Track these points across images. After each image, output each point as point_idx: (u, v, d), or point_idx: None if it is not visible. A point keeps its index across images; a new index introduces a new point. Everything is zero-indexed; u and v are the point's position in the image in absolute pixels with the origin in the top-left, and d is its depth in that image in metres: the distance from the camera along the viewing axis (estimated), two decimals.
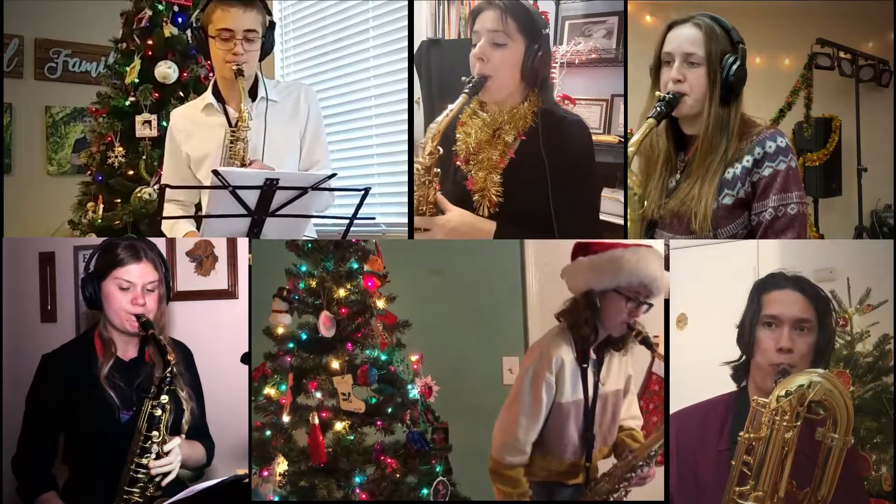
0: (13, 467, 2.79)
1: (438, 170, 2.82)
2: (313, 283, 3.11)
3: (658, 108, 2.66)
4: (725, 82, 2.62)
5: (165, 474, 2.64)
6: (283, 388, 3.06)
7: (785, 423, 2.22)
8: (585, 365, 2.73)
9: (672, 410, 2.75)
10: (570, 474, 2.80)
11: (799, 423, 2.23)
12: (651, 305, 2.71)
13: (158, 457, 2.61)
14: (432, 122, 2.81)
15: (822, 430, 2.24)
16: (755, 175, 2.62)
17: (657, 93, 2.72)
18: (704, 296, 3.19)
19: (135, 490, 2.59)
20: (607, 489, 2.75)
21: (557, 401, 2.71)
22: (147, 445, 2.60)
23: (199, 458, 2.91)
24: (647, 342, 2.70)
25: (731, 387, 2.58)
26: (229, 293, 3.75)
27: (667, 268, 3.24)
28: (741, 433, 2.30)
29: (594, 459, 2.79)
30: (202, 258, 3.76)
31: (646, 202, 2.80)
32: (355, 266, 3.12)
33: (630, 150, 2.67)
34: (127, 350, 2.84)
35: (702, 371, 2.75)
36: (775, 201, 2.59)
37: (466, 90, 2.76)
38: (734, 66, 2.61)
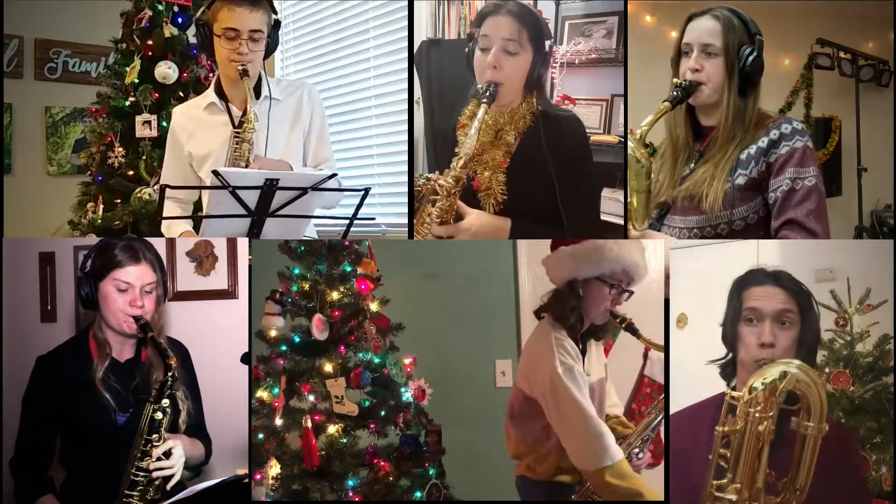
0: (11, 469, 2.79)
1: (465, 180, 2.83)
2: (306, 286, 3.11)
3: (675, 93, 2.71)
4: (742, 72, 2.67)
5: (167, 477, 2.63)
6: (276, 391, 3.07)
7: (758, 415, 2.21)
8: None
9: (672, 411, 2.75)
10: (569, 472, 2.77)
11: (772, 414, 2.21)
12: (632, 293, 2.75)
13: (158, 459, 2.61)
14: (467, 137, 2.80)
15: (796, 420, 2.23)
16: (772, 155, 2.65)
17: (674, 80, 2.77)
18: (704, 296, 3.19)
19: (134, 493, 2.59)
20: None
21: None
22: (147, 449, 2.60)
23: (198, 455, 2.91)
24: (631, 328, 2.75)
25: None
26: (229, 293, 3.76)
27: (667, 268, 3.25)
28: (716, 427, 2.29)
29: None
30: (202, 258, 3.76)
31: (652, 176, 2.81)
32: (348, 269, 3.13)
33: (643, 128, 2.71)
34: (122, 351, 2.83)
35: (702, 371, 2.75)
36: (792, 174, 2.61)
37: (485, 100, 2.78)
38: (751, 57, 2.67)
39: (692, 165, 2.82)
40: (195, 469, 2.91)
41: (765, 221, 2.70)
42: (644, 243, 2.80)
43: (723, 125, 2.72)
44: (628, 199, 2.82)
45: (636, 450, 2.79)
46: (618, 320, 2.75)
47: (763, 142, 2.67)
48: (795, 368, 2.22)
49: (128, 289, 2.73)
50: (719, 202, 2.67)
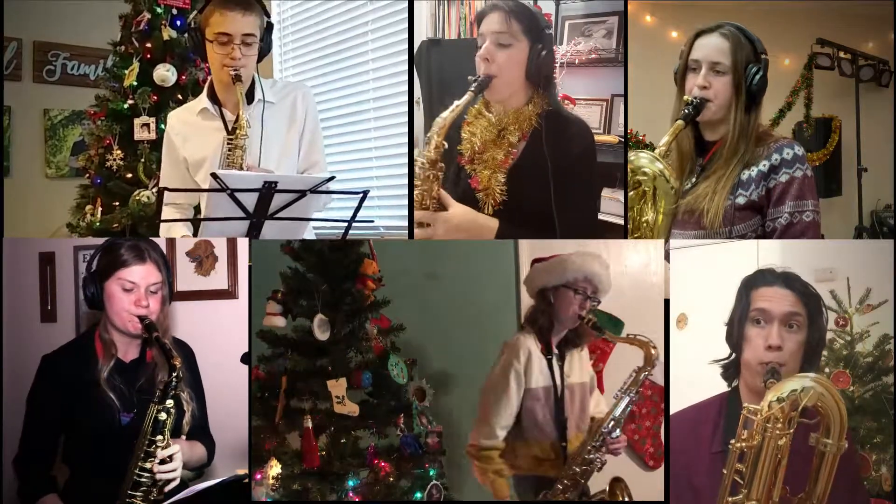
0: (15, 467, 2.79)
1: (443, 164, 2.84)
2: (308, 286, 3.11)
3: (687, 111, 2.74)
4: (748, 91, 2.71)
5: (169, 480, 2.63)
6: (277, 390, 3.06)
7: (778, 431, 2.19)
8: (550, 357, 2.99)
9: (672, 411, 2.75)
10: (551, 462, 2.96)
11: (792, 430, 2.20)
12: (599, 301, 3.01)
13: (163, 462, 2.60)
14: (438, 116, 2.83)
15: (815, 436, 2.22)
16: (771, 181, 2.68)
17: (685, 97, 2.78)
18: (704, 296, 3.19)
19: (137, 494, 2.58)
20: (581, 459, 2.88)
21: (527, 387, 2.96)
22: (151, 450, 2.59)
23: (199, 458, 2.91)
24: (597, 327, 2.95)
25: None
26: (229, 293, 3.75)
27: (667, 268, 3.27)
28: (732, 441, 2.27)
29: (570, 442, 2.98)
30: (202, 258, 3.75)
31: (680, 199, 2.84)
32: (350, 269, 3.12)
33: (661, 148, 2.77)
34: (128, 351, 2.83)
35: (702, 371, 2.75)
36: (791, 207, 2.64)
37: (472, 88, 2.81)
38: (757, 76, 2.71)
39: (694, 179, 2.84)
40: (197, 471, 2.91)
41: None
42: (601, 251, 3.09)
43: (729, 141, 2.74)
44: (652, 217, 2.85)
45: (606, 429, 2.89)
46: (584, 321, 2.96)
47: (764, 165, 2.69)
48: (813, 382, 2.21)
49: (133, 289, 2.72)
50: (720, 219, 2.69)
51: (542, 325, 3.00)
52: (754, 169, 2.70)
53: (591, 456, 2.88)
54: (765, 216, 2.70)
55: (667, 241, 2.88)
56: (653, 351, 2.87)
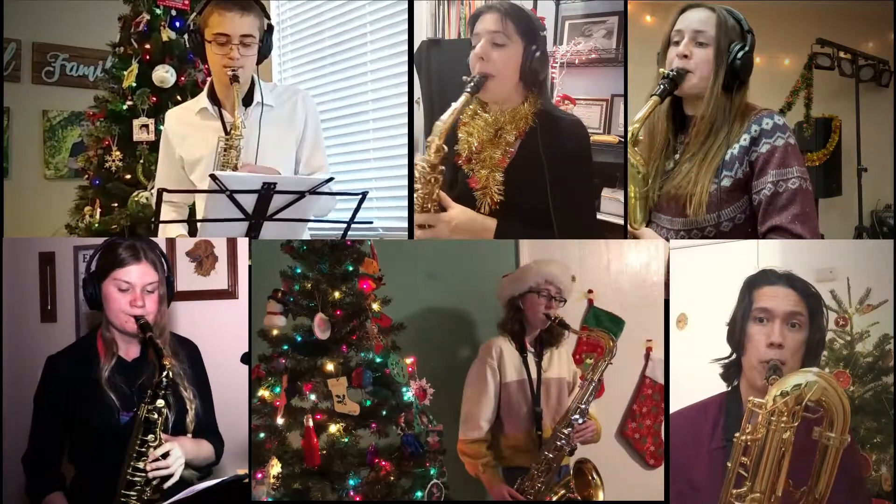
0: (24, 464, 2.80)
1: (443, 167, 2.84)
2: (308, 286, 3.11)
3: (662, 86, 2.71)
4: (731, 67, 2.66)
5: (165, 477, 2.62)
6: (278, 390, 3.07)
7: (783, 424, 2.19)
8: (524, 354, 3.26)
9: (672, 410, 2.75)
10: (530, 451, 3.18)
11: (796, 424, 2.19)
12: (565, 300, 3.26)
13: (156, 461, 2.60)
14: (437, 120, 2.83)
15: (818, 430, 2.21)
16: (753, 154, 2.64)
17: (661, 70, 2.75)
18: (704, 296, 3.19)
19: (132, 493, 2.58)
20: (552, 446, 3.08)
21: (503, 381, 3.23)
22: (143, 450, 2.59)
23: (206, 456, 2.89)
24: (563, 324, 3.23)
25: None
26: (229, 293, 3.74)
27: (667, 267, 3.27)
28: (737, 434, 2.27)
29: (545, 431, 3.19)
30: (202, 258, 3.75)
31: (650, 181, 2.81)
32: (350, 268, 3.13)
33: (634, 125, 2.74)
34: (129, 350, 2.84)
35: (702, 371, 2.75)
36: (774, 176, 2.59)
37: (469, 89, 2.81)
38: (741, 52, 2.66)
39: (676, 157, 2.81)
40: (205, 469, 2.90)
41: (752, 219, 2.69)
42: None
43: (701, 117, 2.70)
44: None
45: (575, 416, 3.08)
46: (552, 320, 3.21)
47: (745, 139, 2.65)
48: (816, 377, 2.20)
49: (129, 288, 2.73)
50: (703, 207, 2.66)
51: (514, 329, 3.28)
52: (736, 146, 2.66)
53: (561, 442, 3.06)
54: (751, 191, 2.66)
55: (644, 220, 2.85)
56: (610, 343, 3.12)
